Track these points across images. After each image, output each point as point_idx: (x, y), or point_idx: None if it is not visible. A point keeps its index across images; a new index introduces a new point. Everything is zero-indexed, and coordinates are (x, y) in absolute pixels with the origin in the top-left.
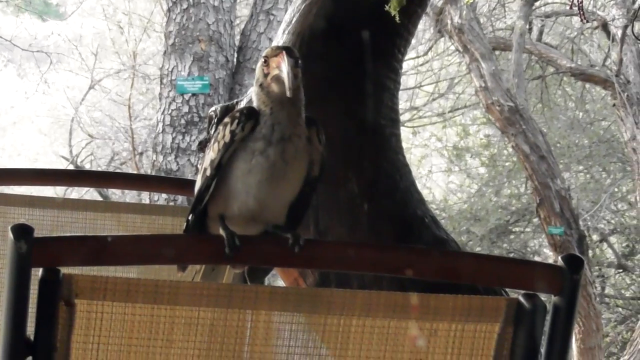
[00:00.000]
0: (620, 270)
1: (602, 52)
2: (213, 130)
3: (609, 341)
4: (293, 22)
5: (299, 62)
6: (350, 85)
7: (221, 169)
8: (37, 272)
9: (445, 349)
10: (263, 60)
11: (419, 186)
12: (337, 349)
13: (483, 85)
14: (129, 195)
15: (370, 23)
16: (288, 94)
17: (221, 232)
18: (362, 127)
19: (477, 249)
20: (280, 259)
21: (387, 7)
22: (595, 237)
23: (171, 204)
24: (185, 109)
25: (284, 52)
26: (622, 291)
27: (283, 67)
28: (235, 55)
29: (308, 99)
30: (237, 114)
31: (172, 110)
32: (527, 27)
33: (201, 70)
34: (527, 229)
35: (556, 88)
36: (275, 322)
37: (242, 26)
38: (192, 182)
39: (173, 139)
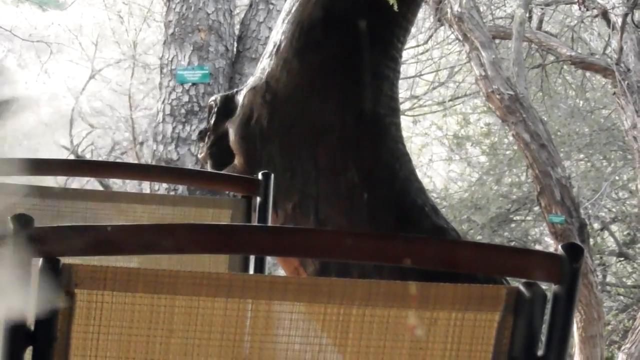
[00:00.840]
0: (622, 259)
1: (602, 41)
2: (213, 119)
3: (611, 329)
4: (292, 11)
5: None
6: (349, 75)
7: None
8: (37, 262)
9: (445, 337)
10: None
11: (420, 175)
12: (337, 338)
13: (483, 73)
14: (130, 185)
15: (369, 12)
16: None
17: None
18: (361, 116)
19: (478, 238)
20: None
21: None
22: (596, 225)
23: (172, 193)
24: (186, 98)
25: None
26: (624, 279)
27: None
28: (235, 44)
29: (307, 89)
30: None
31: (172, 99)
32: (527, 15)
33: (201, 59)
34: (528, 218)
35: (556, 76)
36: (276, 311)
37: (242, 15)
38: (192, 172)
39: (173, 128)
